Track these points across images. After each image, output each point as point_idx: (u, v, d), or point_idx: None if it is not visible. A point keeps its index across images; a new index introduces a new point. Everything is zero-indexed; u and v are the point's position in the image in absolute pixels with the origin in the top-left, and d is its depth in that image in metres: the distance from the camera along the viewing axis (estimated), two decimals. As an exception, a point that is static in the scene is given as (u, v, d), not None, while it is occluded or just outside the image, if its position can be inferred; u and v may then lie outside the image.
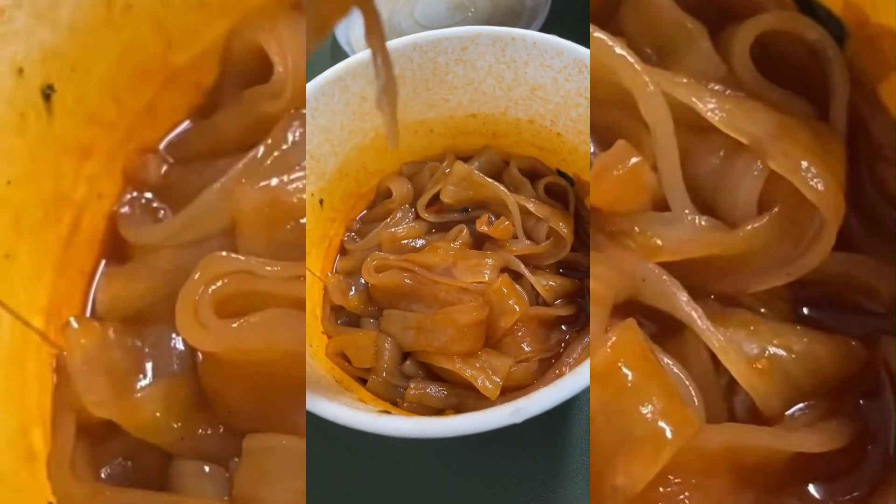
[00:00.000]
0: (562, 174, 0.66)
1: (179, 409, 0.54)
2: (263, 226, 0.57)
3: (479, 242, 0.63)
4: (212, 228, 0.58)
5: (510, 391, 0.56)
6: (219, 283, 0.53)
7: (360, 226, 0.68)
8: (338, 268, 0.66)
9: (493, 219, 0.63)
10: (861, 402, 0.52)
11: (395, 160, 0.69)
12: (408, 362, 0.58)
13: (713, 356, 0.50)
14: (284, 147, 0.60)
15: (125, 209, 0.62)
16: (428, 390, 0.56)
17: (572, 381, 0.44)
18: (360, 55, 0.62)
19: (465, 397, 0.56)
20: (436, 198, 0.66)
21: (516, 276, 0.60)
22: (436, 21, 0.90)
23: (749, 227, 0.51)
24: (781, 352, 0.50)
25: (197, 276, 0.53)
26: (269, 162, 0.59)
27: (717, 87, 0.55)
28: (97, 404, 0.53)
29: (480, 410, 0.45)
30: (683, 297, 0.51)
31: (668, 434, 0.46)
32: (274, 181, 0.58)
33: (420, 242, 0.64)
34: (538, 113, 0.64)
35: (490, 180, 0.64)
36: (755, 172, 0.51)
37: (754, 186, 0.51)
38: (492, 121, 0.66)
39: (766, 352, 0.50)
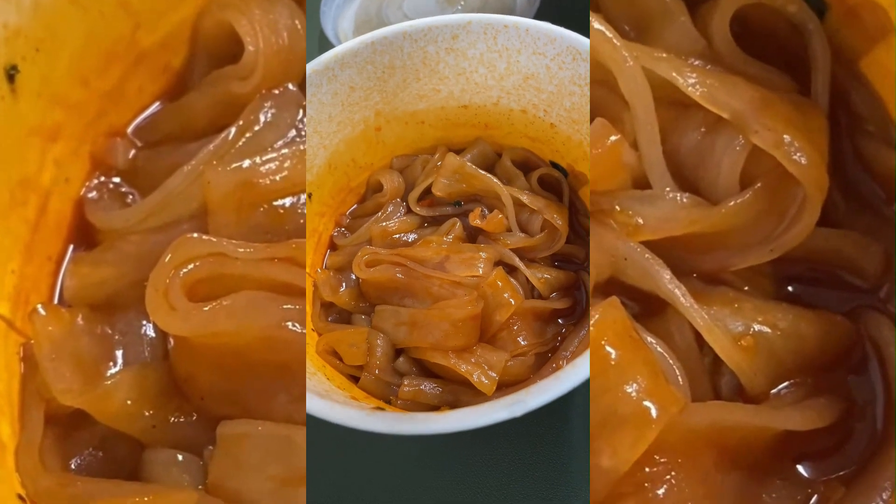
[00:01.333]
0: (555, 165, 0.65)
1: (151, 396, 0.53)
2: (235, 208, 0.56)
3: (473, 236, 0.62)
4: (182, 212, 0.57)
5: (506, 386, 0.55)
6: (190, 266, 0.52)
7: (351, 220, 0.67)
8: (328, 263, 0.65)
9: (487, 212, 0.62)
10: (847, 378, 0.51)
11: (386, 153, 0.68)
12: (401, 359, 0.57)
13: (697, 335, 0.50)
14: (256, 128, 0.59)
15: (93, 193, 0.61)
16: (422, 387, 0.55)
17: (572, 373, 0.44)
18: (348, 44, 0.61)
19: (461, 394, 0.55)
20: (428, 191, 0.65)
21: (511, 270, 0.59)
22: (425, 13, 0.88)
23: (731, 204, 0.50)
24: (766, 329, 0.50)
25: (168, 259, 0.52)
26: (240, 144, 0.58)
27: (697, 63, 0.54)
28: (66, 393, 0.52)
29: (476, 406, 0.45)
30: (666, 275, 0.50)
31: (654, 412, 0.45)
32: (246, 163, 0.56)
33: (412, 237, 0.63)
34: (531, 103, 0.63)
35: (483, 172, 0.62)
36: (737, 147, 0.50)
37: (736, 162, 0.51)
38: (484, 112, 0.66)
39: (751, 329, 0.50)
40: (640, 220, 0.51)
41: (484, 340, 0.56)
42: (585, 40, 0.57)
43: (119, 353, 0.55)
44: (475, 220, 0.61)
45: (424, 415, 0.45)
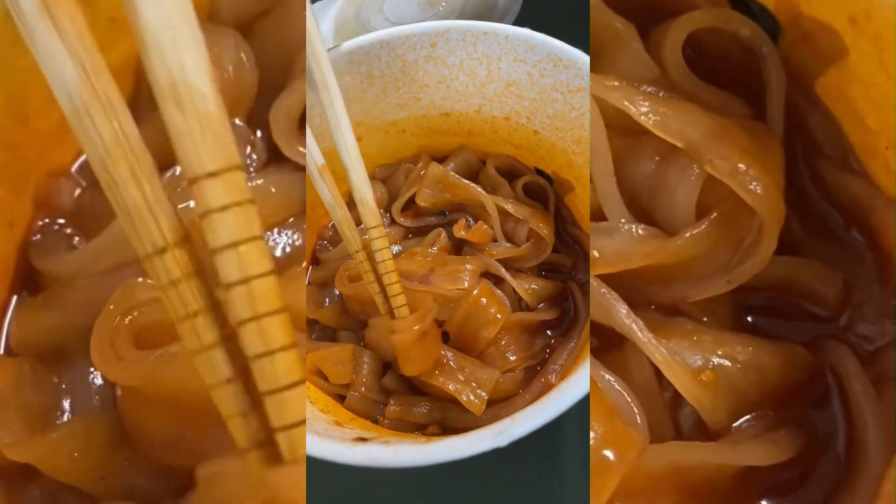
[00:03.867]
0: (540, 172, 0.65)
1: (99, 447, 0.51)
2: (182, 250, 0.54)
3: (458, 246, 0.62)
4: (128, 255, 0.55)
5: (495, 402, 0.54)
6: (135, 313, 0.51)
7: (333, 233, 0.66)
8: (310, 278, 0.64)
9: (472, 222, 0.61)
10: (809, 410, 0.50)
11: (368, 163, 0.65)
12: (387, 376, 0.56)
13: (656, 369, 0.49)
14: (203, 166, 0.57)
15: (37, 237, 0.59)
16: (409, 406, 0.55)
17: (557, 399, 0.43)
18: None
19: (449, 411, 0.55)
20: (411, 201, 0.64)
21: (497, 281, 0.58)
22: (406, 17, 0.87)
23: (687, 235, 0.49)
24: (726, 362, 0.49)
25: (112, 307, 0.50)
26: (186, 182, 0.56)
27: (650, 90, 0.53)
28: (12, 446, 0.50)
29: (464, 427, 0.45)
30: (623, 309, 0.49)
31: (612, 459, 0.44)
32: (192, 203, 0.55)
33: (396, 248, 0.62)
34: (513, 110, 0.62)
35: (467, 182, 0.62)
36: (692, 177, 0.49)
37: (691, 191, 0.50)
38: (466, 119, 0.64)
39: (711, 363, 0.49)
40: (596, 254, 0.50)
41: (473, 356, 0.55)
42: (566, 47, 0.56)
43: (67, 403, 0.54)
44: (460, 232, 0.60)
45: (407, 447, 0.44)
